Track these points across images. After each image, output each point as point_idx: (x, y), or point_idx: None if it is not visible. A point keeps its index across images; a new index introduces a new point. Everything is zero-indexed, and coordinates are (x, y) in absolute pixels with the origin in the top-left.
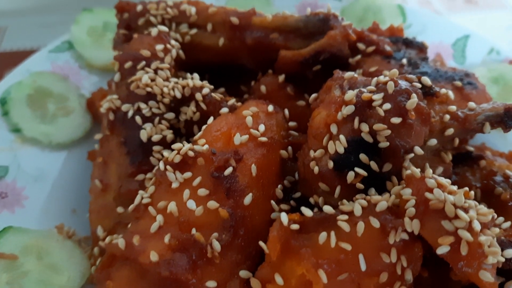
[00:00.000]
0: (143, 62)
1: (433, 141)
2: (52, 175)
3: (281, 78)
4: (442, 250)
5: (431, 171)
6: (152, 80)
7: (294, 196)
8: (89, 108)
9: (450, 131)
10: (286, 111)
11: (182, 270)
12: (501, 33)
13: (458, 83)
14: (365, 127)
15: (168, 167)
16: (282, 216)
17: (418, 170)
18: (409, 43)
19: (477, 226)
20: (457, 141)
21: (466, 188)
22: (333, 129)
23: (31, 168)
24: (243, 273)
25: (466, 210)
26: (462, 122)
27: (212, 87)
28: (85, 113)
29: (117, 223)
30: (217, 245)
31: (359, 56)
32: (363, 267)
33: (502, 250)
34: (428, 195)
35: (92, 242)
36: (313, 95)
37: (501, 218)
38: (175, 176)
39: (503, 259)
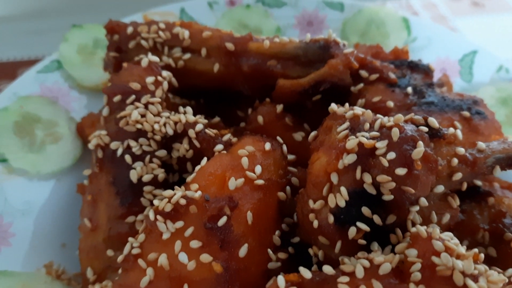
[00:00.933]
0: (133, 96)
1: (440, 188)
2: (40, 208)
3: (279, 108)
4: None
5: (438, 230)
6: (142, 115)
7: (292, 241)
8: (79, 133)
9: (458, 176)
10: (285, 147)
11: None
12: (509, 38)
13: (466, 113)
14: (368, 178)
15: (158, 216)
16: (279, 280)
17: (424, 229)
18: (414, 67)
19: None
20: (465, 185)
21: (476, 250)
22: (334, 178)
23: (18, 201)
24: None
25: (475, 279)
26: (471, 165)
27: (206, 121)
28: (75, 139)
29: (107, 267)
30: None
31: (361, 85)
32: None
33: None
34: (435, 259)
35: (82, 284)
36: (313, 133)
37: (511, 270)
38: (166, 226)
39: None
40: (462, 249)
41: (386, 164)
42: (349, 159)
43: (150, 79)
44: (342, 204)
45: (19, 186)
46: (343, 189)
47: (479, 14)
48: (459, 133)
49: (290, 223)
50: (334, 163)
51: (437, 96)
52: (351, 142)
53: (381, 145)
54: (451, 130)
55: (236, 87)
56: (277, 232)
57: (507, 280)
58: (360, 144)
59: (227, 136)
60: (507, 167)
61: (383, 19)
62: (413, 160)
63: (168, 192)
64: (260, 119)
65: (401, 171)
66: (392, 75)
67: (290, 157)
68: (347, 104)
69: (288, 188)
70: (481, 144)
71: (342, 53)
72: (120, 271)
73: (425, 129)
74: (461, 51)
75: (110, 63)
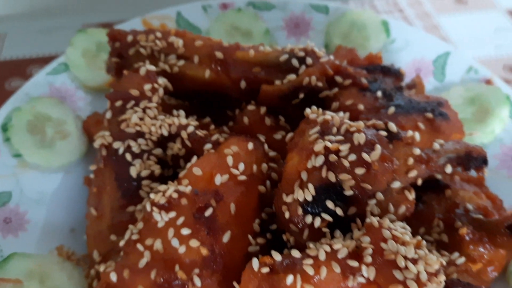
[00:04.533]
0: (132, 102)
1: (397, 183)
2: (52, 197)
3: (263, 110)
4: None
5: (388, 221)
6: (141, 119)
7: (271, 228)
8: (85, 130)
9: (413, 173)
10: (266, 146)
11: None
12: (489, 35)
13: (429, 115)
14: (332, 177)
15: (154, 208)
16: (254, 262)
17: (376, 219)
18: (386, 71)
19: (423, 277)
20: (420, 180)
21: (419, 238)
22: (303, 176)
23: (33, 192)
24: None
25: (415, 262)
26: (426, 163)
27: (196, 123)
28: (81, 136)
29: (111, 250)
30: (197, 281)
31: (336, 89)
32: None
33: None
34: (383, 245)
35: (89, 264)
36: (289, 135)
37: (457, 254)
38: (160, 216)
39: None
40: (407, 237)
41: (347, 164)
42: (317, 160)
43: (147, 87)
44: (309, 198)
45: (33, 179)
46: (310, 186)
47: (462, 11)
48: (417, 135)
49: (269, 212)
50: (304, 163)
51: (404, 99)
52: (319, 146)
53: (344, 148)
54: (410, 133)
55: (226, 90)
56: (257, 221)
57: (444, 263)
58: (326, 147)
59: (215, 136)
60: (457, 165)
61: (364, 22)
62: (371, 162)
63: (163, 187)
64: (245, 119)
65: (359, 171)
66: (364, 80)
67: (272, 153)
68: (320, 110)
69: (268, 182)
70: (436, 145)
71: (318, 62)
72: (121, 253)
73: (384, 133)
74: (435, 52)
75: (112, 67)
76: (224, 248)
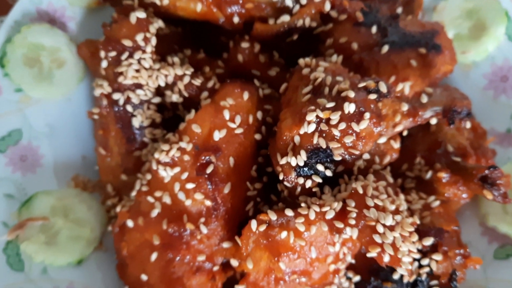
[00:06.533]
0: (127, 53)
1: (383, 139)
2: (60, 128)
3: (257, 48)
4: (371, 254)
5: (371, 189)
6: (137, 71)
7: (267, 170)
8: (80, 55)
9: (400, 127)
10: (261, 91)
11: (178, 250)
12: None
13: (423, 50)
14: (322, 143)
15: (159, 166)
16: (252, 223)
17: (361, 185)
18: None
19: (398, 242)
20: (406, 132)
21: (398, 203)
22: (296, 140)
23: (41, 125)
24: (226, 244)
25: (392, 229)
26: (412, 117)
27: (192, 71)
28: (77, 61)
29: (123, 186)
30: (204, 229)
31: (330, 25)
32: (313, 254)
33: (422, 238)
34: (365, 212)
35: (104, 195)
36: (283, 86)
37: (432, 197)
38: (166, 173)
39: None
40: (388, 204)
41: (337, 133)
42: (309, 128)
43: (139, 36)
44: (301, 163)
45: (38, 112)
46: (302, 152)
47: None
48: (406, 89)
49: (265, 154)
50: (298, 126)
51: (399, 33)
52: (311, 115)
53: (335, 117)
54: (400, 86)
55: (218, 23)
56: (254, 167)
57: (418, 221)
58: (317, 116)
59: (211, 83)
60: (443, 118)
61: None
62: (359, 131)
63: (166, 146)
64: (240, 57)
65: (348, 139)
66: (359, 15)
67: (266, 90)
68: (313, 60)
69: (263, 128)
70: (424, 97)
71: (311, 2)
72: (133, 195)
73: (374, 95)
74: None
75: None
76: (226, 197)
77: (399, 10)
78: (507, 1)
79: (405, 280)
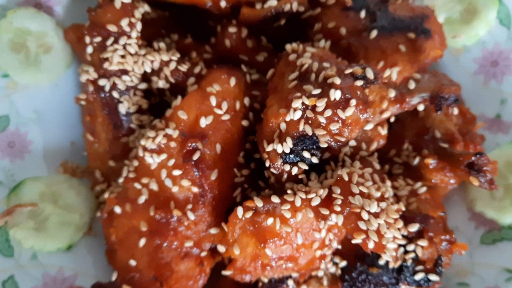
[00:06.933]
0: (112, 38)
1: (370, 125)
2: (48, 114)
3: (245, 32)
4: (356, 241)
5: (356, 176)
6: (122, 56)
7: (254, 156)
8: (67, 39)
9: (387, 113)
10: (248, 77)
11: (165, 236)
12: None
13: (412, 34)
14: (308, 130)
15: (146, 153)
16: (238, 210)
17: (346, 173)
18: None
19: (382, 229)
20: (393, 118)
21: (384, 190)
22: (282, 126)
23: (29, 111)
24: (213, 230)
25: (377, 216)
26: (400, 104)
27: (179, 55)
28: (64, 46)
29: (111, 172)
30: (191, 215)
31: (319, 9)
32: (299, 240)
33: (408, 224)
34: (350, 199)
35: (92, 181)
36: (270, 72)
37: (419, 184)
38: (152, 160)
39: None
40: (373, 192)
41: (323, 120)
42: (295, 115)
43: (124, 22)
44: (287, 150)
45: (26, 98)
46: (288, 139)
47: None
48: (394, 75)
49: (252, 140)
50: (284, 113)
51: (388, 17)
52: (297, 102)
53: (321, 104)
54: (387, 73)
55: (205, 7)
56: (241, 154)
57: (403, 208)
58: (303, 103)
59: (198, 68)
60: (430, 104)
61: None
62: (345, 118)
63: (152, 133)
64: (227, 42)
65: (334, 126)
66: None
67: (254, 76)
68: (300, 46)
69: (251, 114)
70: (411, 83)
71: None
72: (121, 181)
73: (361, 82)
74: None
75: None
76: (213, 184)
77: None
78: None
79: (391, 265)
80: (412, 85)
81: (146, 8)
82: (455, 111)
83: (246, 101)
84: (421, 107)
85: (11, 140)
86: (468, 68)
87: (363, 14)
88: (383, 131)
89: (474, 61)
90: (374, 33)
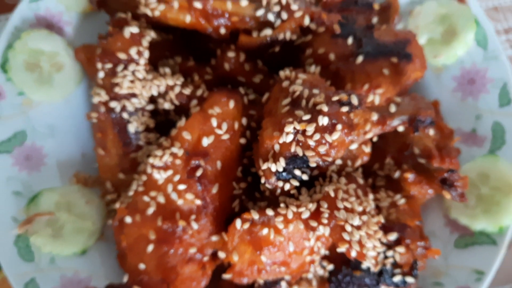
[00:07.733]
0: (122, 65)
1: (355, 145)
2: (61, 128)
3: (242, 57)
4: (340, 249)
5: (341, 192)
6: (132, 81)
7: (252, 170)
8: (77, 58)
9: (370, 134)
10: (245, 98)
11: (172, 244)
12: None
13: (394, 59)
14: (299, 151)
15: (154, 170)
16: (237, 221)
17: (332, 189)
18: (360, 5)
19: (363, 240)
20: (376, 138)
21: (366, 205)
22: (276, 147)
23: (43, 126)
24: (214, 238)
25: (359, 228)
26: (381, 126)
27: (182, 80)
28: (75, 65)
29: (121, 184)
30: (194, 225)
31: (310, 36)
32: (291, 248)
33: (388, 233)
34: (336, 213)
35: (103, 191)
36: (265, 96)
37: (399, 196)
38: (160, 176)
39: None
40: (356, 207)
41: (312, 143)
42: (287, 138)
43: (133, 50)
44: (280, 169)
45: (40, 113)
46: (281, 159)
47: None
48: (376, 99)
49: (249, 156)
50: (277, 136)
51: (373, 43)
52: (289, 127)
53: (310, 128)
54: (370, 97)
55: (206, 32)
56: (239, 168)
57: (382, 220)
58: (295, 128)
59: (200, 91)
60: (409, 126)
61: None
62: (332, 141)
63: (159, 152)
64: (226, 66)
65: (322, 149)
66: (337, 27)
67: (251, 96)
68: (293, 73)
69: (248, 132)
70: (392, 107)
71: (292, 18)
72: (131, 193)
73: (346, 108)
74: None
75: (94, 1)
76: (214, 197)
77: (375, 20)
78: (477, 8)
79: (372, 269)
80: (393, 108)
81: (152, 35)
82: (431, 132)
83: (244, 121)
84: (400, 128)
85: (28, 154)
86: (448, 85)
87: (350, 40)
88: (367, 149)
89: (453, 79)
90: (360, 58)
